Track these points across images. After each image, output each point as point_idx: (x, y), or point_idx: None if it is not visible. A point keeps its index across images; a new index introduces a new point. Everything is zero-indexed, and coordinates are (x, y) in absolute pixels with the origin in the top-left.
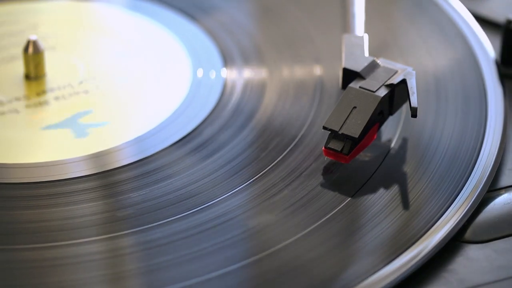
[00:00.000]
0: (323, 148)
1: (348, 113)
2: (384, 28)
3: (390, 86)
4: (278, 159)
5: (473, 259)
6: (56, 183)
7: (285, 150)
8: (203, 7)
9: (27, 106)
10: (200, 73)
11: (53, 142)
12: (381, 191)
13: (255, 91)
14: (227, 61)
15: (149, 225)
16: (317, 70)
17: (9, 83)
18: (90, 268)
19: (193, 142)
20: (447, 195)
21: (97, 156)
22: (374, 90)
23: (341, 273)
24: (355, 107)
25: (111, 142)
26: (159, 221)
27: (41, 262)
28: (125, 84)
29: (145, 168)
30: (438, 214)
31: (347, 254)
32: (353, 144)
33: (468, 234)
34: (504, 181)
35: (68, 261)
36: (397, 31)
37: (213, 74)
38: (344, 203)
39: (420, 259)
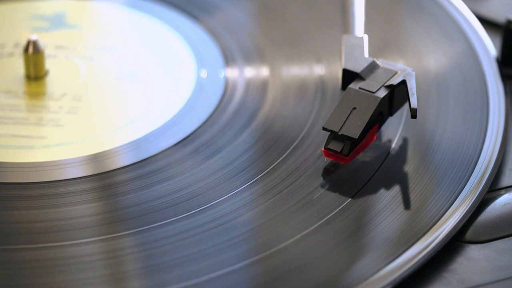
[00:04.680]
0: (323, 149)
1: (348, 114)
2: (384, 28)
3: (390, 87)
4: (279, 159)
5: (474, 259)
6: (55, 184)
7: (286, 150)
8: (204, 6)
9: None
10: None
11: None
12: (382, 191)
13: (256, 91)
14: (228, 60)
15: (150, 226)
16: (318, 70)
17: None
18: (90, 269)
19: (195, 143)
20: (448, 195)
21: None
22: (374, 91)
23: (342, 273)
24: (354, 108)
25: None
26: (161, 221)
27: (39, 263)
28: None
29: (147, 169)
30: (439, 214)
31: (348, 254)
32: (353, 145)
33: (468, 234)
34: (505, 181)
35: (67, 262)
36: (397, 31)
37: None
38: (344, 204)
39: (420, 259)
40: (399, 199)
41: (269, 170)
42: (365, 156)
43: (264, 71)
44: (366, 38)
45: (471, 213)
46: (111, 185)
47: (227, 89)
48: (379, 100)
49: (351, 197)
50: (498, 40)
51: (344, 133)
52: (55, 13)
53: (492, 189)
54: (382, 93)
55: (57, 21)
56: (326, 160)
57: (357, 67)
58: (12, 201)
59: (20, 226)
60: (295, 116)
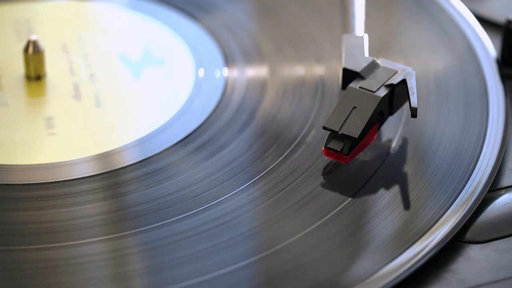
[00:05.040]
0: (323, 148)
1: (348, 113)
2: (384, 28)
3: (390, 86)
4: (280, 159)
5: (474, 259)
6: (59, 184)
7: (286, 150)
8: (204, 6)
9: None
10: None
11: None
12: (382, 191)
13: (256, 90)
14: (228, 60)
15: (153, 225)
16: (319, 70)
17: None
18: (94, 268)
19: (195, 142)
20: (448, 195)
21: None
22: (374, 90)
23: (341, 273)
24: (355, 107)
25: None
26: (163, 221)
27: (46, 263)
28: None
29: (148, 168)
30: (439, 214)
31: (348, 254)
32: (353, 144)
33: (468, 234)
34: (505, 181)
35: (72, 262)
36: (397, 31)
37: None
38: (344, 203)
39: (420, 259)
40: (399, 198)
41: (269, 170)
42: (365, 155)
43: (264, 71)
44: (366, 37)
45: (471, 213)
46: (113, 185)
47: (227, 89)
48: (379, 99)
49: (351, 197)
50: (498, 40)
51: (344, 132)
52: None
53: (492, 189)
54: (382, 92)
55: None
56: (326, 160)
57: (357, 67)
58: (16, 202)
59: (25, 227)
60: (295, 116)
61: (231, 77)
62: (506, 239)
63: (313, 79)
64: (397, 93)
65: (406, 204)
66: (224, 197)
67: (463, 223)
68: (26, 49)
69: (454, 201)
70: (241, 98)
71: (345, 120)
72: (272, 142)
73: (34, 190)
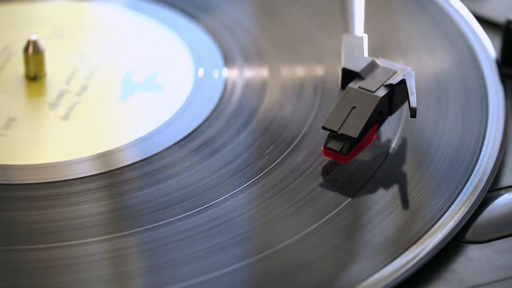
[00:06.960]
0: (322, 148)
1: (347, 113)
2: (384, 28)
3: (390, 86)
4: (279, 159)
5: (474, 259)
6: (59, 183)
7: (286, 150)
8: (203, 6)
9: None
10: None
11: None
12: (381, 191)
13: (255, 90)
14: (227, 60)
15: (152, 225)
16: (318, 70)
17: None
18: (94, 268)
19: (194, 142)
20: (448, 195)
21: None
22: (373, 90)
23: (342, 273)
24: (354, 107)
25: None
26: (162, 220)
27: (46, 263)
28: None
29: (147, 168)
30: (439, 214)
31: (348, 254)
32: (352, 144)
33: (468, 234)
34: (505, 181)
35: (72, 262)
36: (397, 31)
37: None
38: (344, 204)
39: (420, 259)
40: (399, 199)
41: (268, 170)
42: (364, 155)
43: (263, 71)
44: (365, 37)
45: (471, 213)
46: (112, 185)
47: (227, 89)
48: (378, 99)
49: (351, 197)
50: (498, 41)
51: (344, 132)
52: None
53: (492, 189)
54: (382, 92)
55: None
56: (326, 160)
57: (357, 67)
58: (16, 202)
59: (25, 226)
60: (295, 116)
61: (230, 77)
62: (506, 239)
63: (313, 79)
64: (397, 93)
65: (406, 204)
66: (224, 197)
67: (463, 223)
68: (26, 49)
69: (454, 201)
70: (241, 98)
71: (345, 120)
72: (271, 142)
73: (34, 190)
